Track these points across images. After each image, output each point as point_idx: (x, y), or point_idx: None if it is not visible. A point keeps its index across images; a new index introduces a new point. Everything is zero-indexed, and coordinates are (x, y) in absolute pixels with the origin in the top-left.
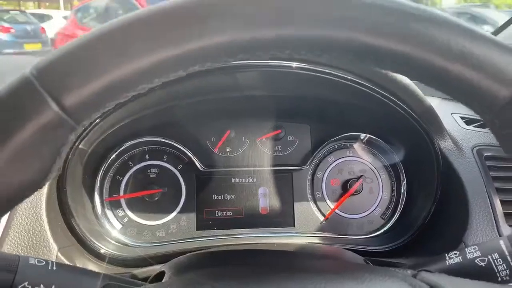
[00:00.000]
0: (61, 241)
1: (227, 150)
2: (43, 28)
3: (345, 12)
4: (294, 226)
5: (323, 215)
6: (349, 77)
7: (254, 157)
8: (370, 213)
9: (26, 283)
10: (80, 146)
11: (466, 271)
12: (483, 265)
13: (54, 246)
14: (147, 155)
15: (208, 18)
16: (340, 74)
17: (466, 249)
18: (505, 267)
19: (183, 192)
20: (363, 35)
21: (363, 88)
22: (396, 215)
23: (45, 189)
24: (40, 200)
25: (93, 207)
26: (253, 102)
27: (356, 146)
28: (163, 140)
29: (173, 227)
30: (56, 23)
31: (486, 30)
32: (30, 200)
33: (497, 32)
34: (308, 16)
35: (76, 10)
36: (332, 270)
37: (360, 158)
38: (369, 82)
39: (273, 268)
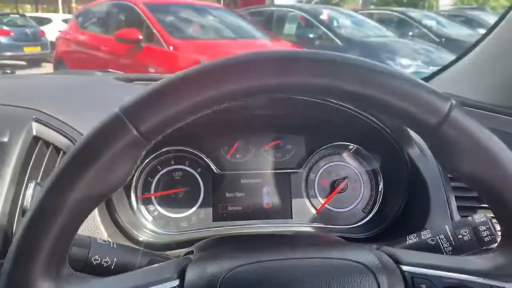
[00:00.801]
0: (108, 230)
1: (237, 156)
2: (42, 31)
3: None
4: (291, 218)
5: (315, 209)
6: (337, 103)
7: (259, 162)
8: (353, 207)
9: (96, 256)
10: None
11: (420, 248)
12: (433, 244)
13: (104, 234)
14: (172, 161)
15: (242, 73)
16: (330, 100)
17: (421, 232)
18: (448, 245)
19: (202, 190)
20: (343, 84)
21: (349, 111)
22: (375, 209)
23: None
24: None
25: (130, 203)
26: (258, 118)
27: (345, 154)
28: (185, 148)
29: (194, 219)
30: (56, 26)
31: (481, 32)
32: None
33: (486, 34)
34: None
35: (77, 14)
36: (316, 243)
37: (345, 162)
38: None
39: (274, 243)
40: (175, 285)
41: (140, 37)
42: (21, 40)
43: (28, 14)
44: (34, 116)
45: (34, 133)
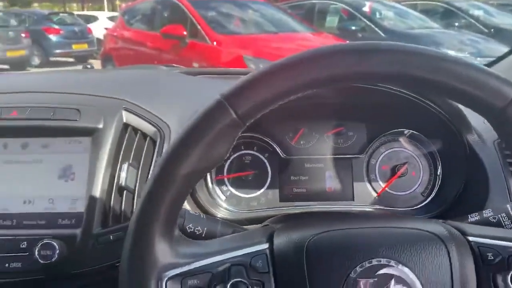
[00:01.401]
0: (191, 207)
1: (301, 142)
2: (89, 28)
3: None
4: (353, 200)
5: (376, 192)
6: (396, 89)
7: (322, 148)
8: (412, 191)
9: (190, 225)
10: None
11: (481, 225)
12: (494, 221)
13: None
14: (242, 146)
15: (328, 62)
16: (390, 87)
17: (483, 211)
18: (510, 222)
19: (269, 173)
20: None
21: (408, 97)
22: (433, 193)
23: None
24: None
25: (206, 184)
26: (321, 107)
27: (402, 139)
28: (254, 135)
29: (262, 199)
30: (101, 24)
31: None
32: None
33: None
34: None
35: (123, 12)
36: (388, 216)
37: (404, 148)
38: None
39: (350, 216)
40: (265, 247)
41: (185, 33)
42: (70, 38)
43: (75, 13)
44: (123, 106)
45: (124, 121)
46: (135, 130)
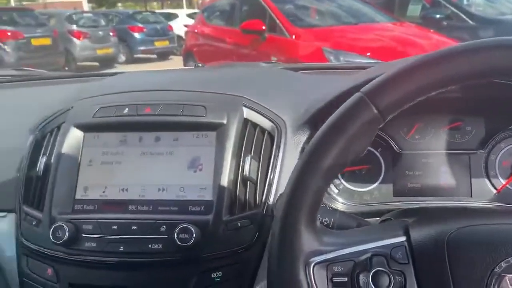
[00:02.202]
0: None
1: (416, 137)
2: (170, 26)
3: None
4: (471, 197)
5: (495, 188)
6: None
7: (438, 143)
8: None
9: (319, 215)
10: None
11: None
12: None
13: None
14: None
15: (470, 58)
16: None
17: None
18: None
19: (383, 168)
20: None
21: None
22: None
23: None
24: None
25: None
26: (438, 101)
27: None
28: None
29: (375, 193)
30: (181, 21)
31: None
32: None
33: None
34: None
35: (203, 9)
36: None
37: None
38: None
39: (482, 212)
40: (403, 240)
41: (264, 27)
42: (152, 35)
43: (157, 11)
44: (243, 102)
45: (245, 116)
46: (254, 125)
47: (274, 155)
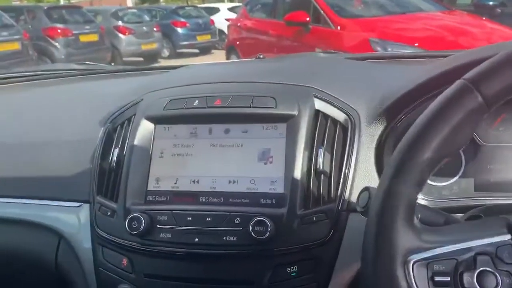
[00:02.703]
0: None
1: (500, 129)
2: (212, 20)
3: None
4: None
5: None
6: None
7: None
8: None
9: None
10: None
11: None
12: None
13: None
14: None
15: None
16: None
17: None
18: None
19: (463, 161)
20: None
21: None
22: None
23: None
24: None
25: None
26: None
27: None
28: None
29: (455, 188)
30: (223, 15)
31: None
32: None
33: None
34: None
35: (246, 2)
36: None
37: None
38: None
39: None
40: (508, 238)
41: (308, 19)
42: (195, 30)
43: (198, 5)
44: (313, 93)
45: (316, 107)
46: (326, 116)
47: (349, 148)
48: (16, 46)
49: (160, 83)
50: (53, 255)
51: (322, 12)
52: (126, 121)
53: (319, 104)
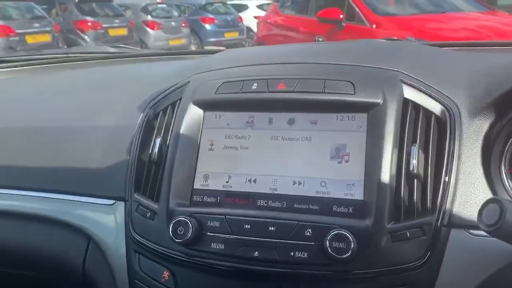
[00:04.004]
0: None
1: None
2: (240, 17)
3: None
4: None
5: None
6: None
7: None
8: None
9: None
10: None
11: None
12: None
13: None
14: None
15: None
16: None
17: None
18: None
19: None
20: None
21: None
22: None
23: None
24: None
25: (500, 176)
26: None
27: None
28: None
29: None
30: (251, 12)
31: None
32: None
33: None
34: None
35: None
36: None
37: None
38: None
39: None
40: None
41: (342, 16)
42: (222, 27)
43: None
44: (400, 78)
45: (405, 96)
46: (417, 107)
47: (449, 147)
48: (47, 38)
49: (210, 64)
50: (81, 259)
51: (357, 9)
52: (169, 107)
53: (408, 92)
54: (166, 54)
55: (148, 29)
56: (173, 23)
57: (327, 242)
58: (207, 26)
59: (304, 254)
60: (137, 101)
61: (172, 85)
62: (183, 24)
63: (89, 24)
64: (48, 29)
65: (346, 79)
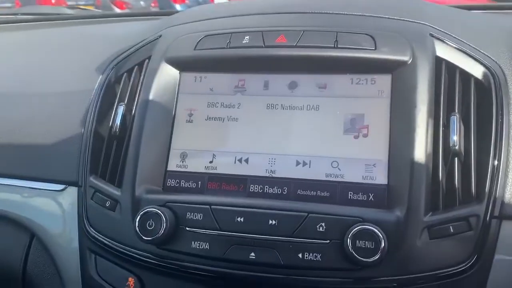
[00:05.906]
0: None
1: None
2: (212, 0)
3: None
4: None
5: None
6: None
7: None
8: None
9: None
10: None
11: None
12: None
13: None
14: None
15: None
16: None
17: None
18: None
19: None
20: None
21: None
22: None
23: None
24: None
25: None
26: None
27: None
28: None
29: None
30: None
31: None
32: None
33: None
34: None
35: None
36: None
37: None
38: None
39: None
40: None
41: None
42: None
43: None
44: (430, 32)
45: (437, 54)
46: (453, 68)
47: (496, 117)
48: None
49: (188, 15)
50: (20, 261)
51: None
52: (136, 67)
53: (441, 50)
54: (132, 15)
55: (116, 8)
56: (142, 2)
57: (349, 241)
58: (178, 7)
59: (316, 256)
60: (95, 62)
61: (140, 41)
62: (152, 4)
63: (53, 1)
64: (8, 5)
65: (364, 31)
